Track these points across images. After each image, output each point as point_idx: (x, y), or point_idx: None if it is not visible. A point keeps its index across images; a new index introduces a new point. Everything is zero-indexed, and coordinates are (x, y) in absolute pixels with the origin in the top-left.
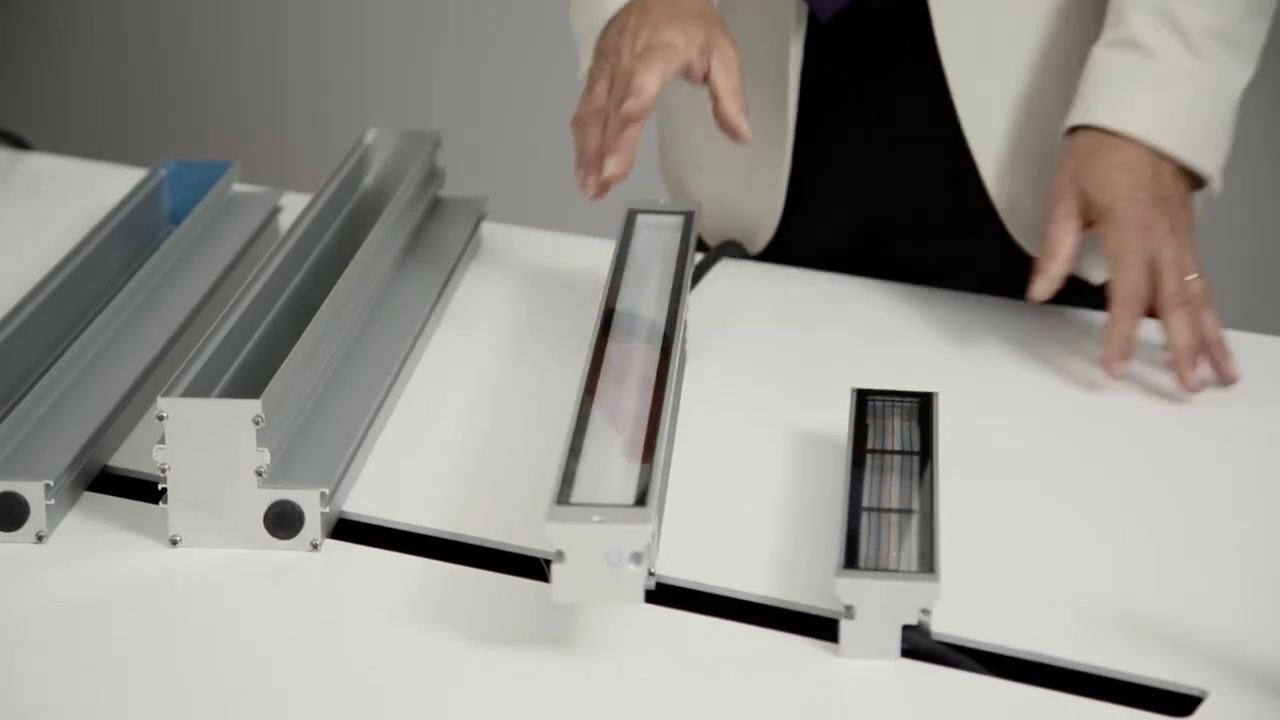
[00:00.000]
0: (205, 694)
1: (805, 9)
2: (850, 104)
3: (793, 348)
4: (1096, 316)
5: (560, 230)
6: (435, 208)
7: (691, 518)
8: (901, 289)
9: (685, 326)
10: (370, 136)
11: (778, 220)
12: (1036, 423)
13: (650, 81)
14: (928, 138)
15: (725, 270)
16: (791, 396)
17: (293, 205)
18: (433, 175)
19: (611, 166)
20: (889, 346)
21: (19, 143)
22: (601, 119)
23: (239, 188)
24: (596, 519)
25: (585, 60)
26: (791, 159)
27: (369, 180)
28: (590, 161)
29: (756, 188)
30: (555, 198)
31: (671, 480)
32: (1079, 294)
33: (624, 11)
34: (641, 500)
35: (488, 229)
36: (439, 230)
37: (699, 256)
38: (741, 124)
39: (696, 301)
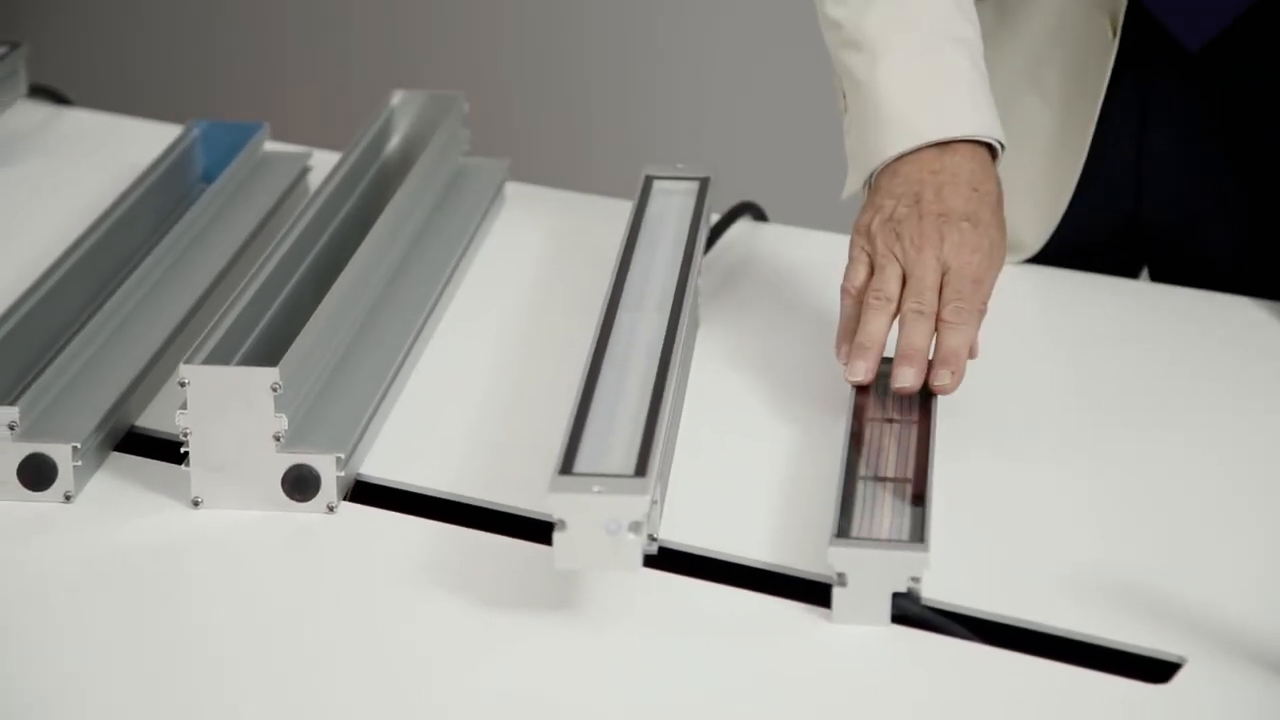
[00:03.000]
0: (224, 651)
1: (1118, 25)
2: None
3: (805, 312)
4: (1126, 285)
5: (582, 190)
6: (459, 170)
7: (696, 482)
8: None
9: (697, 293)
10: (396, 99)
11: (1056, 223)
12: (1038, 391)
13: (964, 348)
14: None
15: (742, 232)
16: (801, 362)
17: (321, 163)
18: (457, 138)
19: (947, 380)
20: None
21: (59, 98)
22: (892, 310)
23: (269, 146)
24: (596, 489)
25: (853, 179)
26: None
27: (395, 142)
28: (871, 349)
29: (1043, 188)
30: (577, 158)
31: (678, 444)
32: None
33: (913, 172)
34: (641, 470)
35: (511, 188)
36: (462, 194)
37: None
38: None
39: (712, 264)
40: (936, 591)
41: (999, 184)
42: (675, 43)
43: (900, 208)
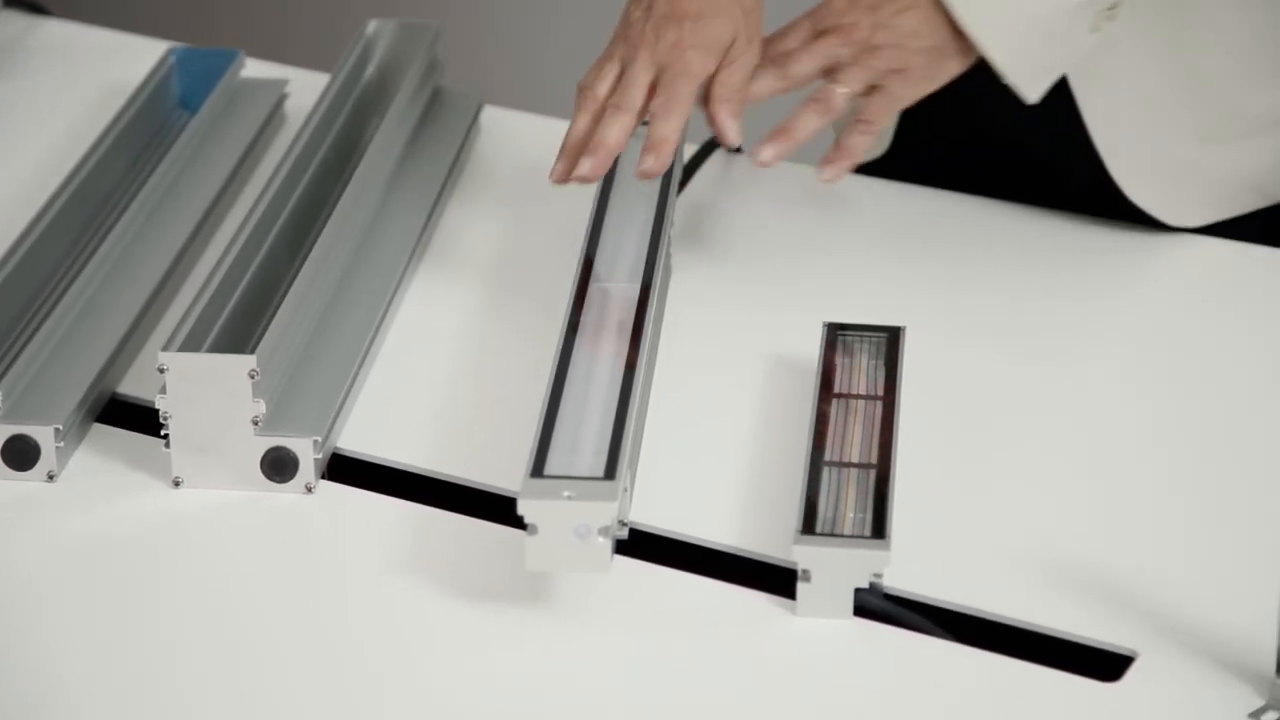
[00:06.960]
0: (205, 630)
1: None
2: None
3: (778, 256)
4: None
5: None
6: (434, 103)
7: (666, 462)
8: (898, 187)
9: (670, 243)
10: (371, 28)
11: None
12: (1010, 361)
13: (671, 136)
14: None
15: (715, 163)
16: (773, 318)
17: (298, 85)
18: (433, 68)
19: (585, 169)
20: (876, 248)
21: (35, 8)
22: (595, 110)
23: (246, 71)
24: (566, 494)
25: None
26: None
27: (370, 72)
28: (569, 151)
29: None
30: (554, 87)
31: (649, 422)
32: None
33: None
34: (611, 473)
35: (488, 114)
36: (437, 129)
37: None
38: (729, 130)
39: (686, 202)
40: (899, 579)
41: None
42: None
43: (636, 11)
